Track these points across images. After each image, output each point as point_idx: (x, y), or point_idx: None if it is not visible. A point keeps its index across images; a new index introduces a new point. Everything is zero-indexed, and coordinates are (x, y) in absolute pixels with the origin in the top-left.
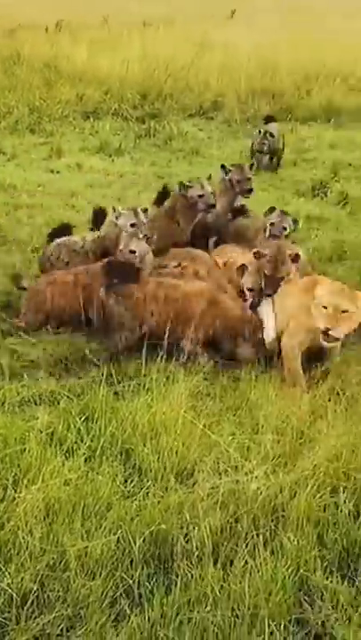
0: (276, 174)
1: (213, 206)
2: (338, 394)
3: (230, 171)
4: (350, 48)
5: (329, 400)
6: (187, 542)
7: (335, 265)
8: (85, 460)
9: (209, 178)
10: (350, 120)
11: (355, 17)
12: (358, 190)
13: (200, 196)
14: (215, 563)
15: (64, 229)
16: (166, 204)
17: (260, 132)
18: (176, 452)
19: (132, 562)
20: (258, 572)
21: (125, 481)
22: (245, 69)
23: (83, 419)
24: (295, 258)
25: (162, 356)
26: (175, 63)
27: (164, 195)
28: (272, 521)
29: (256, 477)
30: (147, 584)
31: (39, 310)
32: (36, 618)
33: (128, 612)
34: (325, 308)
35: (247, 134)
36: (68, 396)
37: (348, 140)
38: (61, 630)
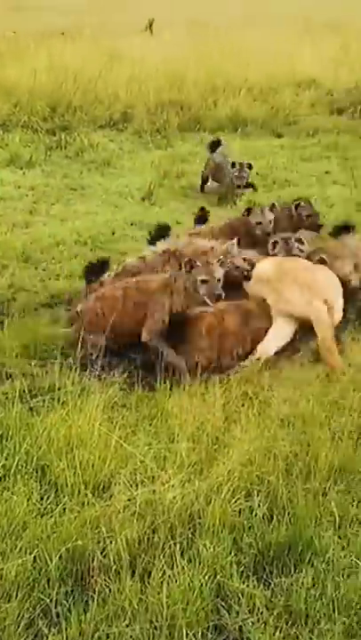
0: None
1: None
2: (251, 398)
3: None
4: (254, 60)
5: (243, 405)
6: (104, 556)
7: None
8: None
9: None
10: (256, 129)
11: (258, 30)
12: (265, 199)
13: (258, 223)
14: (133, 575)
15: (102, 265)
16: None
17: (233, 164)
18: (92, 466)
19: (48, 581)
20: (175, 581)
21: (41, 498)
22: (154, 81)
23: None
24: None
25: (76, 368)
26: (84, 75)
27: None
28: (189, 529)
29: (172, 486)
30: (64, 602)
31: (98, 328)
32: None
33: (46, 631)
34: None
35: (157, 145)
36: None
37: (255, 150)
38: None
